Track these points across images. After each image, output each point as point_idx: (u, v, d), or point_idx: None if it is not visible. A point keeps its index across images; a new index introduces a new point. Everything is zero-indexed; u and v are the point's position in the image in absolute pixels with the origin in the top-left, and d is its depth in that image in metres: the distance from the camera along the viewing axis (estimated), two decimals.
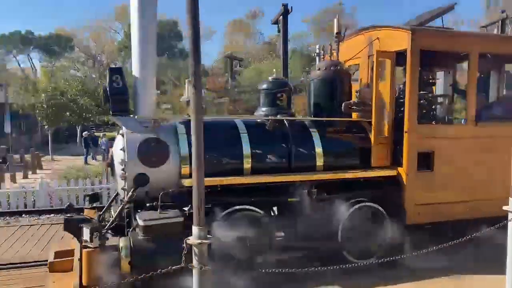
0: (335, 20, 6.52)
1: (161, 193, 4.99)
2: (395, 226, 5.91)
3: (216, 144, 5.55)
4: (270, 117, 5.87)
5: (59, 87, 25.63)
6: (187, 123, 5.51)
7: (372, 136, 6.06)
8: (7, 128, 26.28)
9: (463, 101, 6.94)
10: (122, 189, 5.41)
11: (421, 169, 5.99)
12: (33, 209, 10.67)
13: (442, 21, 6.72)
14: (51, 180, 12.40)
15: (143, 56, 5.39)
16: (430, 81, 6.73)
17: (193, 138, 3.55)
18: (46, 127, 26.24)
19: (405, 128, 5.88)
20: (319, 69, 6.44)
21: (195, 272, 3.58)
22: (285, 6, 12.02)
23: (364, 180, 5.99)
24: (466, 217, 6.24)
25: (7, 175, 15.74)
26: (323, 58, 6.86)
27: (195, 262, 3.59)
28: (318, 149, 5.88)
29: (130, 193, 5.18)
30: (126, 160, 5.23)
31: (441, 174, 6.05)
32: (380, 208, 5.99)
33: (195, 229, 3.59)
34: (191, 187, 3.66)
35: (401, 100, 6.23)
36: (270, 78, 6.21)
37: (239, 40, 54.41)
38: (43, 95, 24.33)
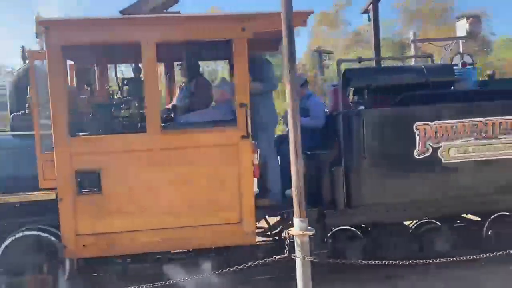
0: (35, 18, 5.66)
1: None
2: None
3: None
4: None
5: None
6: None
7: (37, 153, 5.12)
8: None
9: None
10: None
11: (88, 190, 4.92)
12: None
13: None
14: None
15: None
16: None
17: (290, 135, 3.86)
18: None
19: (53, 143, 4.86)
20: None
21: (298, 262, 3.80)
22: None
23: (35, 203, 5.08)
24: (166, 249, 5.07)
25: None
26: None
27: (297, 252, 3.79)
28: None
29: None
30: None
31: (114, 197, 4.88)
32: (52, 238, 5.06)
33: (296, 221, 3.82)
34: None
35: None
36: None
37: (326, 32, 52.50)
38: None
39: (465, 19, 15.76)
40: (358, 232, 5.52)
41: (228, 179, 4.98)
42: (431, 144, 5.29)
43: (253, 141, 5.35)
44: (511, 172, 5.44)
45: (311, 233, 3.84)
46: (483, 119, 5.35)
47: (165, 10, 5.74)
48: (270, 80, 5.45)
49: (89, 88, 5.73)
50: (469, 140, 5.35)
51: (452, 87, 5.68)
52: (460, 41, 16.82)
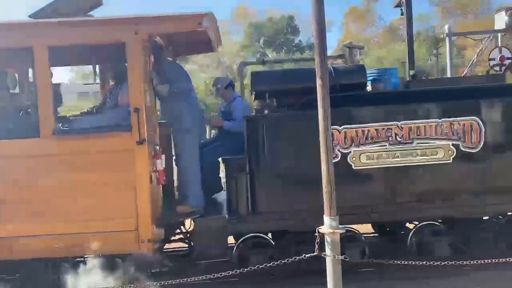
0: None
1: None
2: None
3: None
4: None
5: None
6: None
7: None
8: None
9: None
10: None
11: None
12: None
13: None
14: None
15: None
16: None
17: (320, 132, 3.84)
18: None
19: None
20: None
21: (328, 261, 3.78)
22: None
23: None
24: (62, 255, 5.03)
25: None
26: None
27: (328, 251, 3.78)
28: None
29: None
30: None
31: (9, 202, 4.85)
32: None
33: (327, 219, 3.80)
34: None
35: None
36: None
37: (358, 27, 51.69)
38: None
39: (504, 12, 15.15)
40: (270, 239, 5.33)
41: (123, 186, 4.89)
42: (340, 149, 5.02)
43: (158, 147, 5.25)
44: (429, 179, 5.09)
45: (342, 231, 3.81)
46: (399, 123, 5.03)
47: (87, 13, 5.76)
48: (176, 81, 5.30)
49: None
50: (383, 146, 5.04)
51: (365, 89, 5.36)
52: (499, 34, 16.13)
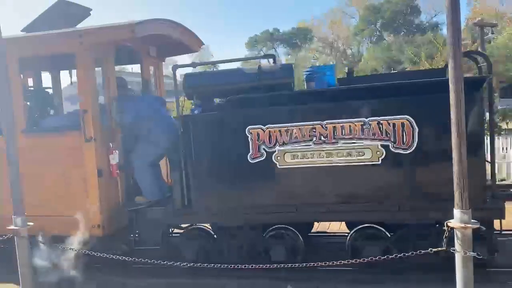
0: None
1: None
2: None
3: None
4: None
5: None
6: None
7: None
8: None
9: None
10: None
11: None
12: None
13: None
14: None
15: None
16: None
17: (452, 113, 3.40)
18: None
19: None
20: None
21: (458, 257, 3.46)
22: None
23: None
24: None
25: None
26: None
27: (458, 246, 3.45)
28: None
29: None
30: None
31: None
32: None
33: (457, 212, 3.44)
34: None
35: None
36: None
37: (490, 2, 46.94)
38: None
39: None
40: (212, 232, 5.65)
41: (75, 178, 5.62)
42: (265, 148, 5.12)
43: (111, 144, 5.82)
44: (356, 181, 4.94)
45: (474, 226, 3.39)
46: (323, 123, 4.96)
47: (76, 26, 6.54)
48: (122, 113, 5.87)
49: None
50: (307, 145, 5.02)
51: (292, 89, 5.29)
52: None
